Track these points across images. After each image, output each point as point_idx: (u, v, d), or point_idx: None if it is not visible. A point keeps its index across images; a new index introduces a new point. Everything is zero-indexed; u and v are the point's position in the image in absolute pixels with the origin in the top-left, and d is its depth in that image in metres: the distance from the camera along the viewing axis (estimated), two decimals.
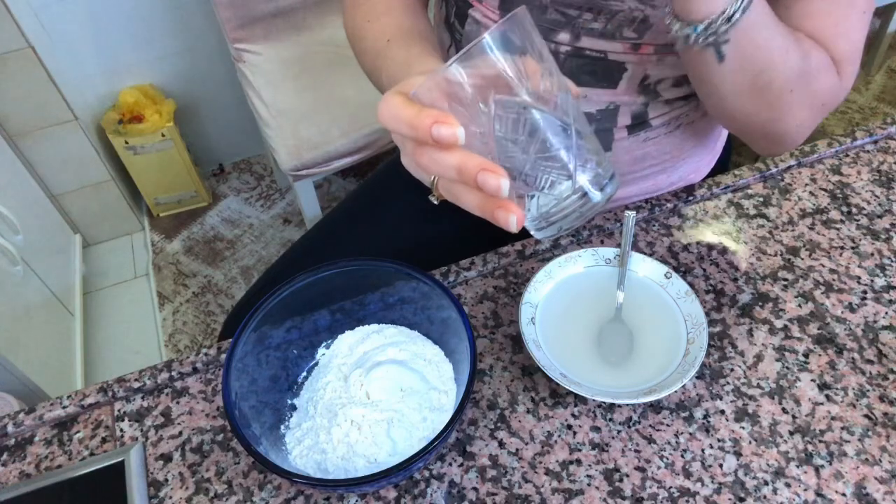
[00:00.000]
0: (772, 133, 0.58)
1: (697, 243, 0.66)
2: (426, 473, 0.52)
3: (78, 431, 0.57)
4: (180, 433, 0.56)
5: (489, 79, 0.38)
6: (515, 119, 0.38)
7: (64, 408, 0.58)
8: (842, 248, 0.65)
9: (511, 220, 0.38)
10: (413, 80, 0.41)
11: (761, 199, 0.70)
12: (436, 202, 0.44)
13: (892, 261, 0.63)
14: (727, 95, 0.55)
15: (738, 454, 0.52)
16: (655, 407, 0.55)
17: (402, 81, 0.43)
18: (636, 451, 0.52)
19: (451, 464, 0.52)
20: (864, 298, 0.60)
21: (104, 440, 0.56)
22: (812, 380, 0.55)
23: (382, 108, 0.40)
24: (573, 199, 0.41)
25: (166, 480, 0.53)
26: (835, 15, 0.55)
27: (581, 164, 0.40)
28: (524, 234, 0.69)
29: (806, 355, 0.57)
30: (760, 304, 0.61)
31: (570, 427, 0.54)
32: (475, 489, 0.51)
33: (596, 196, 0.41)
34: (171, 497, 0.52)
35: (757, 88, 0.53)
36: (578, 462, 0.52)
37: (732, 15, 0.47)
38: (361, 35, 0.64)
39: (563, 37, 0.60)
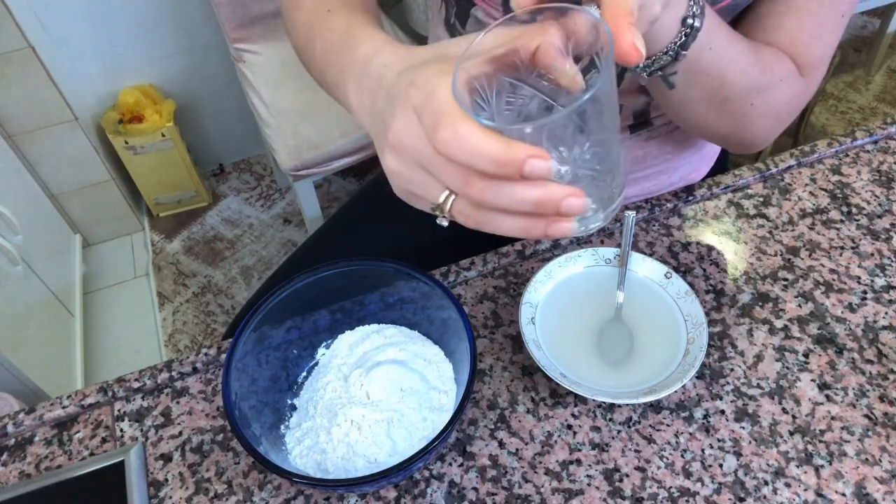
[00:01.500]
0: (738, 141, 0.60)
1: (697, 243, 0.66)
2: (426, 473, 0.52)
3: (78, 431, 0.57)
4: (180, 433, 0.56)
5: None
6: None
7: (64, 408, 0.58)
8: (842, 248, 0.65)
9: (573, 226, 0.35)
10: (442, 78, 0.35)
11: (761, 199, 0.70)
12: (445, 224, 0.38)
13: (892, 261, 0.63)
14: (685, 113, 0.56)
15: (738, 454, 0.52)
16: (655, 407, 0.55)
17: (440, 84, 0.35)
18: (636, 451, 0.52)
19: (451, 464, 0.52)
20: (864, 298, 0.60)
21: (104, 440, 0.56)
22: (812, 380, 0.55)
23: (453, 140, 0.33)
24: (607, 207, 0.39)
25: (166, 480, 0.53)
26: (809, 25, 0.55)
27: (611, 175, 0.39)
28: None
29: (806, 355, 0.57)
30: (760, 304, 0.61)
31: (570, 427, 0.54)
32: (475, 489, 0.51)
33: (615, 203, 0.39)
34: (171, 497, 0.52)
35: (713, 107, 0.54)
36: (578, 462, 0.52)
37: (677, 54, 0.47)
38: (297, 9, 0.58)
39: None
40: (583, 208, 0.34)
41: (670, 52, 0.46)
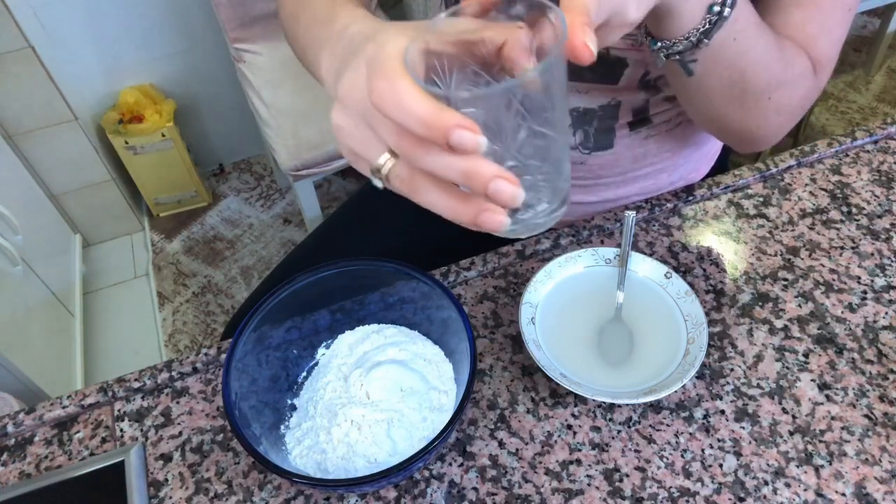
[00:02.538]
0: (750, 137, 0.59)
1: (697, 243, 0.66)
2: (426, 473, 0.52)
3: (78, 431, 0.57)
4: (180, 433, 0.56)
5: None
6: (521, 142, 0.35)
7: (64, 408, 0.58)
8: (842, 248, 0.65)
9: (504, 220, 0.35)
10: (394, 45, 0.35)
11: (761, 199, 0.70)
12: (380, 186, 0.38)
13: (892, 261, 0.63)
14: (700, 103, 0.55)
15: (738, 454, 0.52)
16: (655, 407, 0.55)
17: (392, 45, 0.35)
18: (636, 451, 0.52)
19: (451, 464, 0.52)
20: (864, 298, 0.60)
21: (104, 440, 0.56)
22: (812, 380, 0.55)
23: (387, 92, 0.32)
24: (544, 208, 0.39)
25: (166, 480, 0.53)
26: (819, 19, 0.54)
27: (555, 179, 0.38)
28: None
29: (806, 355, 0.57)
30: (760, 304, 0.61)
31: (570, 427, 0.54)
32: (475, 489, 0.51)
33: (559, 210, 0.39)
34: (171, 497, 0.52)
35: (731, 99, 0.53)
36: (578, 462, 0.52)
37: (699, 41, 0.45)
38: None
39: None
40: (513, 195, 0.33)
41: (692, 38, 0.45)
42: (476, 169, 0.33)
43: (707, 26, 0.44)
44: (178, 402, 0.58)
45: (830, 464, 0.51)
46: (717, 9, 0.44)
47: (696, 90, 0.53)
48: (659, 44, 0.47)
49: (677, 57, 0.47)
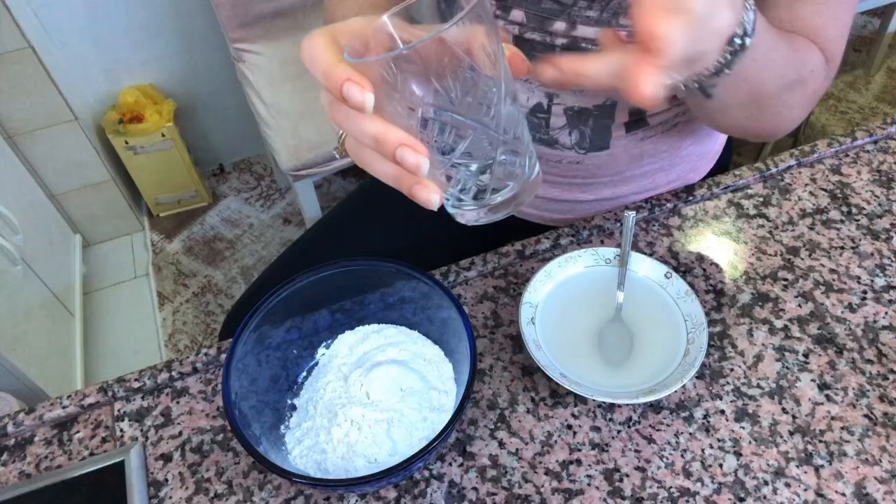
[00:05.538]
0: (764, 132, 0.59)
1: (697, 243, 0.66)
2: (426, 473, 0.52)
3: (78, 431, 0.57)
4: (180, 433, 0.56)
5: (430, 54, 0.35)
6: (441, 127, 0.36)
7: (64, 408, 0.58)
8: (842, 248, 0.65)
9: (433, 198, 0.37)
10: (354, 24, 0.38)
11: (761, 199, 0.70)
12: (338, 157, 0.42)
13: (892, 261, 0.63)
14: (719, 117, 0.56)
15: (738, 454, 0.52)
16: (655, 407, 0.55)
17: (345, 21, 0.39)
18: (636, 451, 0.52)
19: (451, 464, 0.52)
20: (864, 298, 0.60)
21: (104, 440, 0.56)
22: (812, 380, 0.55)
23: (304, 45, 0.37)
24: (489, 198, 0.40)
25: (166, 480, 0.53)
26: (824, 11, 0.54)
27: (500, 177, 0.39)
28: (524, 233, 0.69)
29: (806, 355, 0.57)
30: (760, 304, 0.61)
31: (570, 427, 0.54)
32: (475, 489, 0.51)
33: (514, 200, 0.40)
34: (171, 497, 0.52)
35: (749, 109, 0.53)
36: (578, 462, 0.52)
37: (720, 72, 0.43)
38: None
39: (559, 26, 0.59)
40: (415, 163, 0.35)
41: (713, 69, 0.43)
42: (385, 136, 0.35)
43: (729, 57, 0.43)
44: (178, 402, 0.58)
45: (830, 464, 0.51)
46: (738, 42, 0.42)
47: (714, 109, 0.54)
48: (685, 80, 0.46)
49: (696, 86, 0.46)
